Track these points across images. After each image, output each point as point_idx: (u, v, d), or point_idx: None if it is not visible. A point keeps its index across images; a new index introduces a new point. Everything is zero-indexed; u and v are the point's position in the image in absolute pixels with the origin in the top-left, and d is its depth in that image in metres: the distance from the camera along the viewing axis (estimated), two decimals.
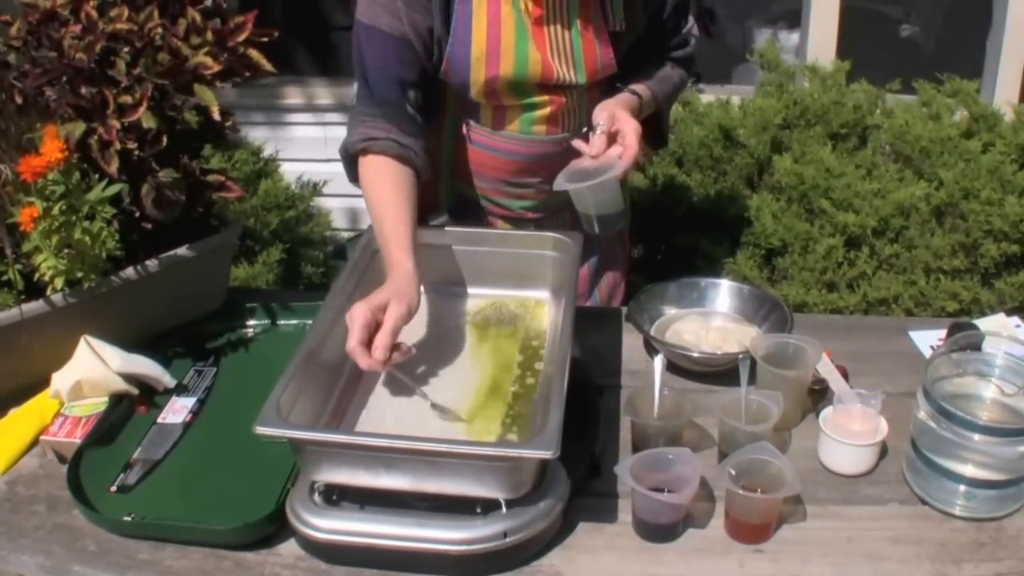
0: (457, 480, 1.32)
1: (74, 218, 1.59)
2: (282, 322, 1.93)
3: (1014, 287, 2.66)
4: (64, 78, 1.63)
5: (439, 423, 1.50)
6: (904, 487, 1.50)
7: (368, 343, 1.46)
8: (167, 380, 1.72)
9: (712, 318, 1.89)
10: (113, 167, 1.60)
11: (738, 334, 1.83)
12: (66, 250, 1.61)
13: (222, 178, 1.78)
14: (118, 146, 1.60)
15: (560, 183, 1.75)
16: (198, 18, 1.69)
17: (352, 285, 1.69)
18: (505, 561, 1.35)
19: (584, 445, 1.52)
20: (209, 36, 1.68)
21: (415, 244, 1.65)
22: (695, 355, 1.73)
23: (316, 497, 1.39)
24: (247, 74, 1.76)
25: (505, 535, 1.33)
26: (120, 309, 1.73)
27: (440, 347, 1.70)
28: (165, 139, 1.67)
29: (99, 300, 1.68)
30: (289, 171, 3.56)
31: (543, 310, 1.80)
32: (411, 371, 1.60)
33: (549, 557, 1.39)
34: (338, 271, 1.77)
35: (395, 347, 1.49)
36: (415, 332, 1.74)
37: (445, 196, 2.02)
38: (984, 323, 1.87)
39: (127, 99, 1.61)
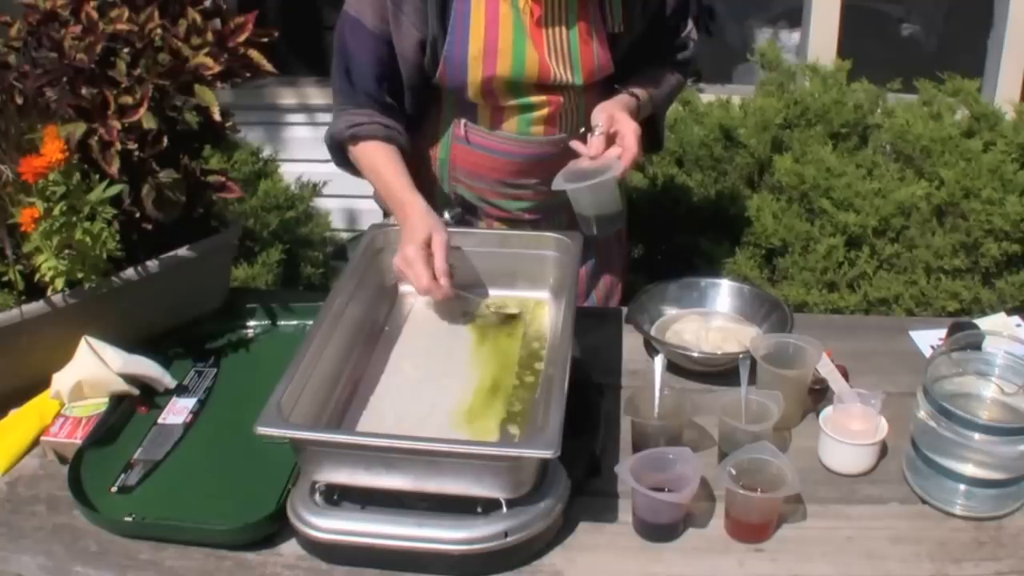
0: (458, 480, 1.32)
1: (75, 219, 1.59)
2: (282, 323, 1.93)
3: (1015, 287, 2.66)
4: (64, 79, 1.63)
5: (440, 423, 1.50)
6: (904, 486, 1.50)
7: (434, 277, 1.65)
8: (167, 381, 1.72)
9: (712, 318, 1.89)
10: (114, 168, 1.60)
11: (738, 334, 1.83)
12: (67, 251, 1.61)
13: (222, 178, 1.78)
14: (119, 147, 1.60)
15: (558, 183, 1.75)
16: (198, 19, 1.69)
17: (353, 285, 1.70)
18: (506, 561, 1.35)
19: (584, 444, 1.52)
20: (209, 37, 1.68)
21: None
22: (695, 355, 1.73)
23: (317, 497, 1.39)
24: (247, 75, 1.76)
25: (506, 535, 1.33)
26: (120, 310, 1.74)
27: (440, 347, 1.70)
28: (166, 140, 1.67)
29: (99, 301, 1.68)
30: (288, 172, 3.56)
31: (543, 310, 1.80)
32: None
33: (549, 557, 1.39)
34: (338, 271, 1.78)
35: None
36: (415, 333, 1.75)
37: (441, 199, 2.02)
38: (985, 323, 1.87)
39: (128, 100, 1.61)
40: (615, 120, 1.77)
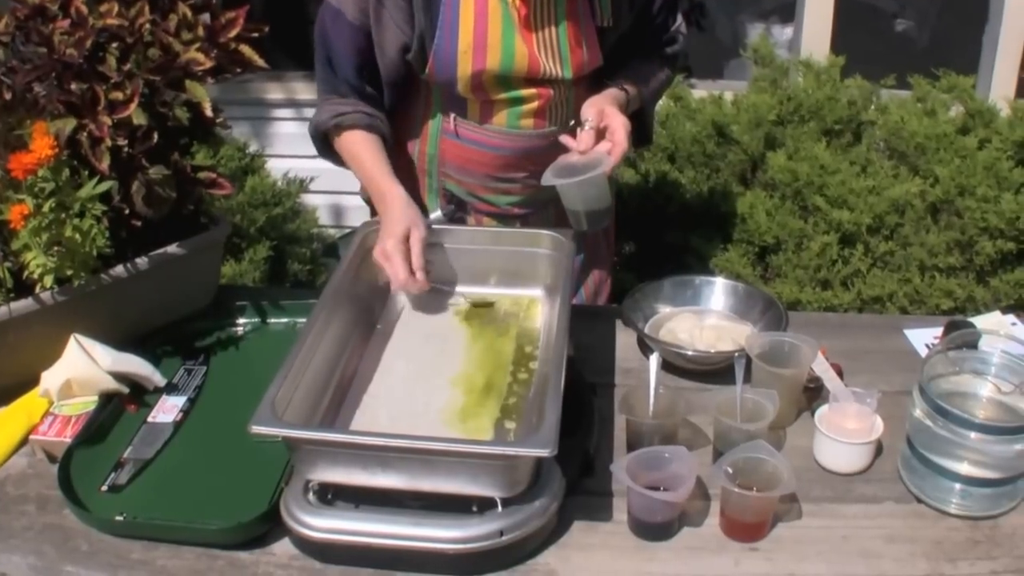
0: (453, 479, 1.31)
1: (64, 216, 1.58)
2: (272, 320, 1.92)
3: (1009, 285, 2.66)
4: (53, 74, 1.61)
5: (433, 422, 1.49)
6: (899, 485, 1.49)
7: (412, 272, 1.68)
8: (157, 379, 1.71)
9: (706, 316, 1.88)
10: (104, 164, 1.58)
11: (733, 332, 1.82)
12: (56, 248, 1.59)
13: (212, 175, 1.77)
14: (109, 143, 1.58)
15: (548, 178, 1.74)
16: (189, 14, 1.67)
17: (346, 283, 1.68)
18: (501, 560, 1.34)
19: (578, 444, 1.51)
20: (200, 32, 1.67)
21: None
22: (690, 353, 1.73)
23: (311, 496, 1.38)
24: (238, 70, 1.75)
25: (501, 534, 1.32)
26: (110, 307, 1.72)
27: (433, 345, 1.69)
28: (156, 136, 1.65)
29: (89, 298, 1.66)
30: (275, 167, 3.54)
31: (537, 308, 1.79)
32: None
33: (544, 555, 1.38)
34: (329, 269, 1.76)
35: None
36: (408, 331, 1.74)
37: (430, 194, 2.01)
38: (980, 321, 1.87)
39: (118, 95, 1.59)
40: (605, 115, 1.76)
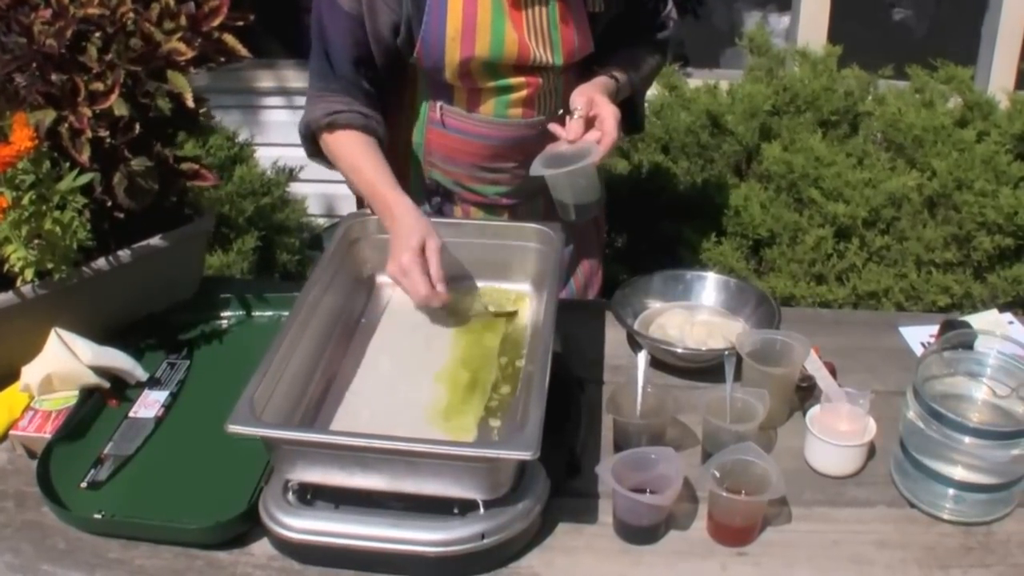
0: (434, 480, 1.29)
1: (44, 208, 1.55)
2: (256, 313, 1.89)
3: (1007, 281, 2.63)
4: (34, 64, 1.58)
5: (416, 419, 1.47)
6: (892, 489, 1.47)
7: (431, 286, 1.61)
8: (139, 373, 1.68)
9: (697, 312, 1.86)
10: (84, 156, 1.55)
11: (724, 328, 1.79)
12: (36, 240, 1.57)
13: (195, 166, 1.74)
14: (89, 134, 1.55)
15: (536, 168, 1.71)
16: (171, 2, 1.64)
17: (329, 276, 1.66)
18: (482, 563, 1.32)
19: (564, 443, 1.49)
20: (183, 21, 1.63)
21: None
22: (679, 351, 1.70)
23: (290, 496, 1.36)
24: (222, 60, 1.72)
25: (483, 536, 1.30)
26: (91, 300, 1.70)
27: (418, 340, 1.66)
28: (138, 127, 1.62)
29: (70, 291, 1.64)
30: (264, 156, 3.50)
31: (524, 303, 1.76)
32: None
33: (527, 558, 1.35)
34: (314, 261, 1.73)
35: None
36: (393, 325, 1.71)
37: (415, 184, 1.98)
38: (976, 319, 1.84)
39: (98, 86, 1.56)
40: (594, 103, 1.73)
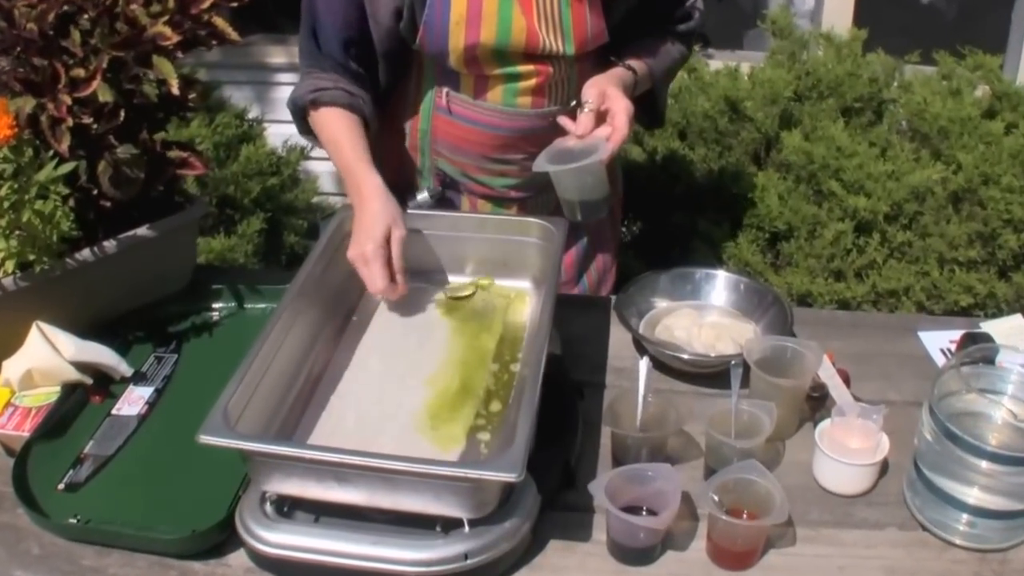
0: (415, 498, 1.23)
1: (25, 198, 1.50)
2: (249, 305, 1.82)
3: None
4: (18, 49, 1.52)
5: (403, 426, 1.40)
6: (903, 510, 1.39)
7: (392, 278, 1.58)
8: (123, 368, 1.63)
9: (706, 312, 1.78)
10: (64, 145, 1.49)
11: (733, 331, 1.71)
12: (17, 232, 1.51)
13: (184, 154, 1.67)
14: (70, 123, 1.49)
15: (540, 164, 1.63)
16: None
17: (320, 271, 1.59)
18: None
19: (559, 453, 1.42)
20: (171, 3, 1.56)
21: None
22: (685, 357, 1.62)
23: (267, 507, 1.30)
24: (213, 43, 1.65)
25: (466, 557, 1.23)
26: (76, 293, 1.64)
27: (410, 341, 1.60)
28: (123, 113, 1.55)
29: (53, 284, 1.58)
30: (276, 134, 3.43)
31: (524, 302, 1.69)
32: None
33: None
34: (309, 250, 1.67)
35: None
36: (385, 324, 1.64)
37: (424, 173, 1.91)
38: (999, 324, 1.75)
39: (80, 72, 1.49)
40: (607, 97, 1.65)
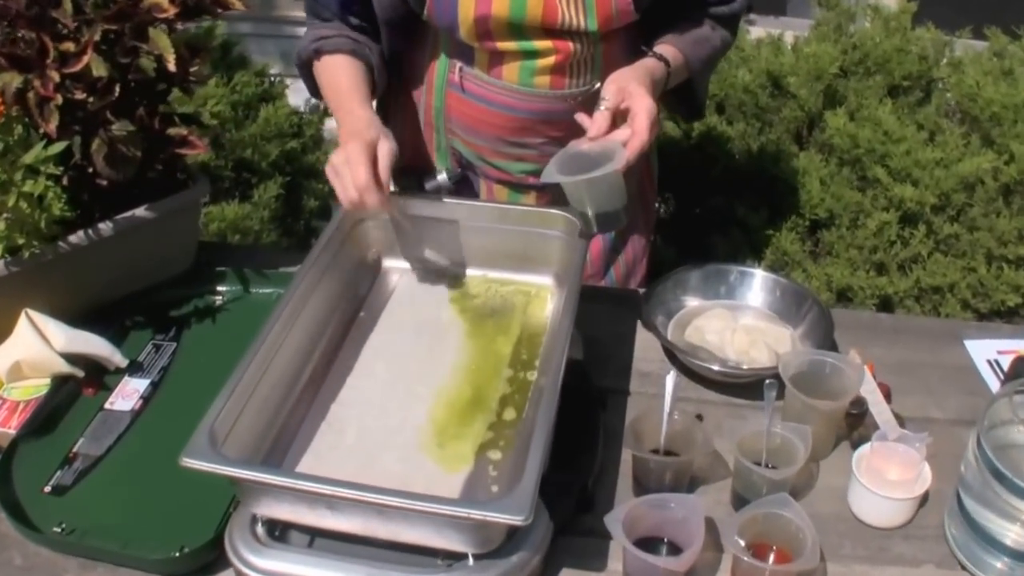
0: (413, 530, 1.13)
1: (15, 178, 1.41)
2: (255, 290, 1.73)
3: None
4: (6, 22, 1.42)
5: (407, 443, 1.31)
6: (942, 545, 1.29)
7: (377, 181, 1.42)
8: (118, 359, 1.55)
9: (741, 314, 1.66)
10: (52, 125, 1.39)
11: (768, 336, 1.60)
12: (5, 215, 1.42)
13: (184, 131, 1.57)
14: (59, 100, 1.39)
15: (549, 173, 1.46)
16: None
17: (327, 260, 1.49)
18: None
19: (576, 478, 1.31)
20: None
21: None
22: (716, 368, 1.51)
23: (259, 529, 1.20)
24: (219, 11, 1.54)
25: None
26: (69, 278, 1.56)
27: (421, 343, 1.49)
28: (118, 88, 1.45)
29: (44, 269, 1.50)
30: (298, 90, 3.28)
31: (544, 300, 1.58)
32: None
33: None
34: (319, 232, 1.56)
35: None
36: (394, 323, 1.54)
37: (440, 154, 1.79)
38: None
39: (70, 47, 1.39)
40: (627, 94, 1.48)
